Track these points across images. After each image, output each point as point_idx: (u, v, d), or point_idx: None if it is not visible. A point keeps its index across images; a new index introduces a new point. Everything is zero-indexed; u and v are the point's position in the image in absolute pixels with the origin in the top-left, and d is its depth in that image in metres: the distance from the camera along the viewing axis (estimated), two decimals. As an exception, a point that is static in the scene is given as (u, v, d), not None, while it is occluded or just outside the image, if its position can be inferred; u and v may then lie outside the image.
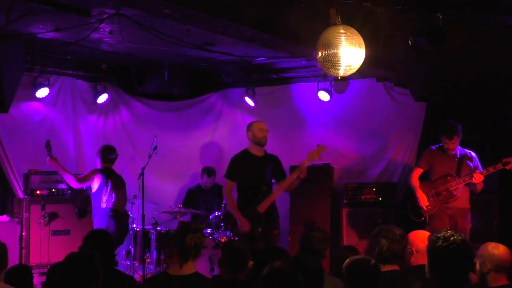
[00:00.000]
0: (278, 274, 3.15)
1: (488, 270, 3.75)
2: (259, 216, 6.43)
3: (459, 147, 6.54)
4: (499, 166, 6.23)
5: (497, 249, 3.80)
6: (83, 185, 7.14)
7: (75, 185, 7.06)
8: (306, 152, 6.62)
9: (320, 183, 7.86)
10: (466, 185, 6.44)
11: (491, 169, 6.28)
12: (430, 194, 6.54)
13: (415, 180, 6.68)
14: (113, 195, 7.06)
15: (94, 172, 7.13)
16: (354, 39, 4.60)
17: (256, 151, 6.64)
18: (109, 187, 7.05)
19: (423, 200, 6.52)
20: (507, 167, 6.19)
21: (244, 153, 6.67)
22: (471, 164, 6.48)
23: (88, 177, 7.09)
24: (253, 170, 6.56)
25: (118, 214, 7.07)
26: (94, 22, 5.54)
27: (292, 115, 8.61)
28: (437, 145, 6.63)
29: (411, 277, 3.93)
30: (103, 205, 7.01)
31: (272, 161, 6.71)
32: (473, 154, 6.56)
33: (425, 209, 6.51)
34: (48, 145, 7.02)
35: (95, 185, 7.07)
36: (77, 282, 3.31)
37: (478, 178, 6.28)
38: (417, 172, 6.72)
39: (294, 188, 6.78)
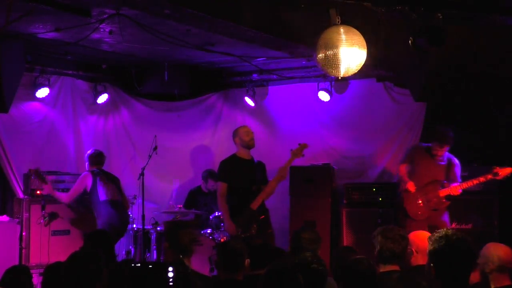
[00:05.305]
0: (278, 274, 3.11)
1: (491, 270, 3.74)
2: (253, 214, 6.60)
3: (446, 153, 6.57)
4: (490, 176, 6.19)
5: (499, 250, 3.80)
6: (76, 196, 7.07)
7: (67, 200, 7.04)
8: (289, 150, 6.78)
9: (320, 183, 7.85)
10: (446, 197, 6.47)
11: (482, 179, 6.26)
12: (421, 200, 6.55)
13: (402, 170, 6.76)
14: (106, 187, 7.00)
15: (82, 178, 7.06)
16: (354, 39, 4.59)
17: (245, 155, 6.81)
18: (102, 182, 7.01)
19: (411, 185, 6.56)
20: (497, 178, 6.15)
21: (233, 157, 6.86)
22: (457, 172, 6.51)
23: (77, 189, 7.05)
24: (243, 171, 6.73)
25: (116, 203, 7.01)
26: (94, 22, 5.54)
27: (292, 115, 8.61)
28: (426, 145, 6.64)
29: (411, 277, 3.93)
30: (102, 198, 6.96)
31: (259, 166, 6.89)
32: (456, 161, 6.58)
33: (412, 191, 6.56)
34: (38, 173, 6.90)
35: (88, 185, 7.04)
36: (81, 281, 3.31)
37: (454, 190, 6.36)
38: (403, 167, 6.80)
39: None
